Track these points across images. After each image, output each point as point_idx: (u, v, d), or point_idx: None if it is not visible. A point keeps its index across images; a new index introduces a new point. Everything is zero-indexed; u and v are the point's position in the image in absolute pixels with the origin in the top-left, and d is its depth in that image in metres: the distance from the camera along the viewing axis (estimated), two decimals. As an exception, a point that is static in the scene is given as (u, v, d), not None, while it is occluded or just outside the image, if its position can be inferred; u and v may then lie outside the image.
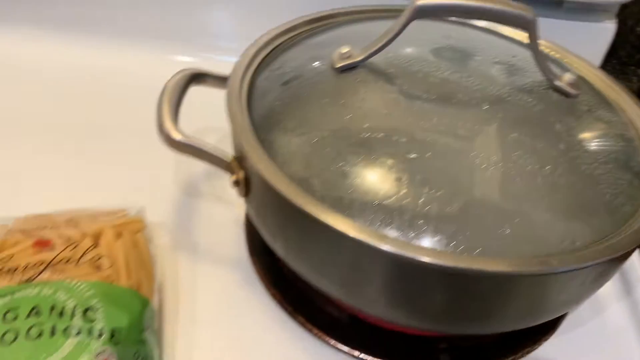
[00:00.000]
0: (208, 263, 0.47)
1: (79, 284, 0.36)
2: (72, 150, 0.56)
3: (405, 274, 0.33)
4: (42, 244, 0.39)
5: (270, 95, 0.43)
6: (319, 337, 0.42)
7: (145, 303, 0.39)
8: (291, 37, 0.48)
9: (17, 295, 0.35)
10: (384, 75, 0.42)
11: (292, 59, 0.46)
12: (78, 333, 0.34)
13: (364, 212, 0.33)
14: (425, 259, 0.31)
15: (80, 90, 0.64)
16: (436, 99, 0.40)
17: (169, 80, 0.43)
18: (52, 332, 0.34)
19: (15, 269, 0.37)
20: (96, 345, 0.34)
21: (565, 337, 0.45)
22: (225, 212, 0.52)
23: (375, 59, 0.42)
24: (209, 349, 0.42)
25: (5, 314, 0.34)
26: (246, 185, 0.39)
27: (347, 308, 0.43)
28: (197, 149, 0.40)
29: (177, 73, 0.44)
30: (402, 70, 0.42)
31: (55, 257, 0.38)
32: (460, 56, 0.46)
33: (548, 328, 0.45)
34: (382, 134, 0.38)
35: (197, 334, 0.42)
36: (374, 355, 0.41)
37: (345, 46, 0.42)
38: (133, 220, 0.44)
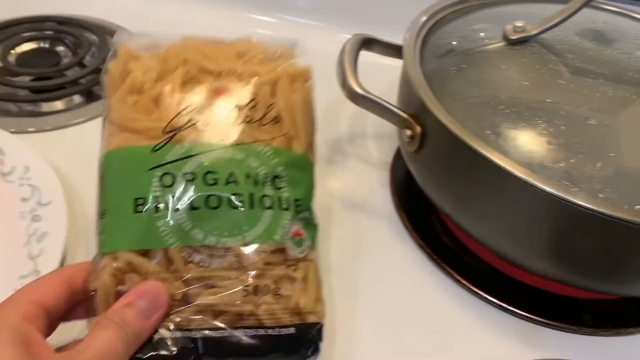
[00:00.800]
0: (356, 215, 0.51)
1: (265, 149, 0.34)
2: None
3: (577, 225, 0.36)
4: (221, 92, 0.35)
5: (442, 59, 0.47)
6: (466, 287, 0.46)
7: (312, 169, 0.37)
8: (457, 9, 0.51)
9: (213, 155, 0.33)
10: (555, 50, 0.44)
11: (461, 28, 0.49)
12: (271, 205, 0.33)
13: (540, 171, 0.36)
14: (598, 208, 0.34)
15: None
16: (607, 75, 0.43)
17: (346, 42, 0.48)
18: (251, 204, 0.32)
19: (213, 120, 0.34)
20: (287, 217, 0.33)
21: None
22: (370, 172, 0.56)
23: (544, 36, 0.45)
24: (360, 295, 0.46)
25: (205, 176, 0.32)
26: (421, 140, 0.43)
27: (496, 263, 0.46)
28: (378, 103, 0.44)
29: (352, 37, 0.49)
30: (573, 48, 0.45)
31: (239, 113, 0.34)
32: (622, 40, 0.48)
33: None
34: (554, 103, 0.41)
35: (344, 278, 0.46)
36: (521, 309, 0.44)
37: (519, 21, 0.45)
38: (304, 69, 0.38)
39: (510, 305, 0.44)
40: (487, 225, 0.41)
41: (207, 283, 0.31)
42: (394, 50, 0.51)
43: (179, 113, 0.33)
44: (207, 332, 0.31)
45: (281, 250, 0.33)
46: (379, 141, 0.60)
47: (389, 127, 0.60)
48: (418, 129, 0.43)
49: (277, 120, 0.35)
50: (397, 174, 0.55)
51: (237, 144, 0.33)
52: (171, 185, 0.31)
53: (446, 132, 0.39)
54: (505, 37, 0.46)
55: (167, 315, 0.30)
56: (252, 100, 0.34)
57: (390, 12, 0.69)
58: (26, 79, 0.61)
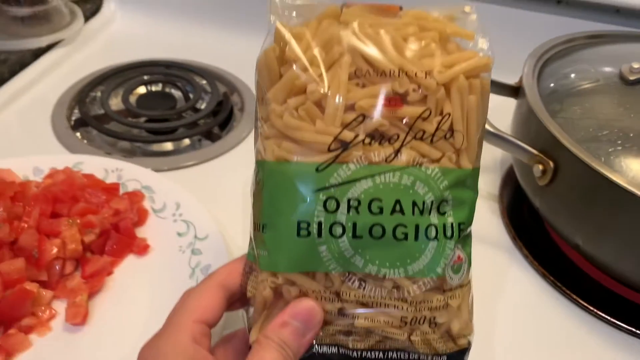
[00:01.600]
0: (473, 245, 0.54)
1: (434, 171, 0.31)
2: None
3: None
4: (396, 103, 0.31)
5: (559, 97, 0.50)
6: (592, 313, 0.48)
7: (478, 176, 0.35)
8: (564, 48, 0.55)
9: (378, 180, 0.30)
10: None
11: (572, 67, 0.53)
12: (436, 235, 0.31)
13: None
14: None
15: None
16: None
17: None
18: (416, 235, 0.31)
19: (381, 135, 0.31)
20: (450, 246, 0.32)
21: None
22: (479, 203, 0.59)
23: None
24: (486, 323, 0.48)
25: (370, 203, 0.30)
26: (553, 174, 0.46)
27: (620, 289, 0.48)
28: (510, 141, 0.47)
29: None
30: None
31: (409, 130, 0.31)
32: None
33: None
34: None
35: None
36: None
37: (635, 62, 0.49)
38: (483, 61, 0.32)
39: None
40: (627, 255, 0.43)
41: (363, 306, 0.31)
42: (508, 90, 0.54)
43: (345, 125, 0.30)
44: (359, 352, 0.32)
45: (441, 279, 0.32)
46: (482, 173, 0.62)
47: (490, 159, 0.63)
48: (551, 164, 0.46)
49: (450, 132, 0.31)
50: (508, 204, 0.57)
51: (405, 167, 0.31)
52: (335, 211, 0.30)
53: (584, 167, 0.42)
54: (622, 77, 0.49)
55: (320, 332, 0.31)
56: (425, 110, 0.31)
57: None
58: (142, 119, 0.66)
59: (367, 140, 0.30)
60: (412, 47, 0.31)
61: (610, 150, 0.44)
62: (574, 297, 0.49)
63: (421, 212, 0.31)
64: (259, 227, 0.32)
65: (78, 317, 0.42)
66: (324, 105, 0.30)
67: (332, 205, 0.30)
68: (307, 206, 0.31)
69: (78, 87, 0.69)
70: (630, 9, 0.65)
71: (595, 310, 0.48)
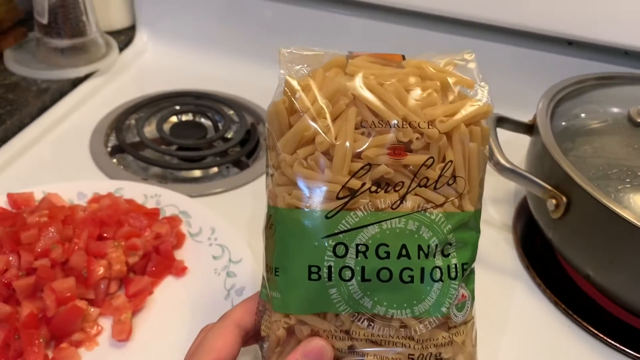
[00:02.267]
0: (487, 274, 0.57)
1: (438, 216, 0.32)
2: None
3: None
4: (400, 152, 0.32)
5: (570, 136, 0.54)
6: (603, 340, 0.50)
7: (479, 217, 0.36)
8: (576, 89, 0.59)
9: (385, 226, 0.32)
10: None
11: (583, 107, 0.56)
12: (440, 277, 0.33)
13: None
14: None
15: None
16: None
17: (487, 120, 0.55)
18: (422, 278, 0.32)
19: (386, 183, 0.32)
20: (454, 286, 0.33)
21: None
22: (493, 233, 0.62)
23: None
24: (500, 351, 0.51)
25: (377, 248, 0.32)
26: (566, 208, 0.49)
27: (630, 319, 0.51)
28: (525, 176, 0.51)
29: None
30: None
31: (414, 177, 0.32)
32: None
33: None
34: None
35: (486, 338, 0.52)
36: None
37: (643, 105, 0.52)
38: (484, 108, 0.34)
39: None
40: (636, 286, 0.46)
41: (373, 344, 0.33)
42: (523, 127, 0.58)
43: (353, 174, 0.32)
44: None
45: (446, 317, 0.34)
46: (497, 205, 0.66)
47: (504, 191, 0.67)
48: (564, 199, 0.49)
49: (453, 179, 0.33)
50: (521, 235, 0.60)
51: (410, 213, 0.32)
52: (344, 256, 0.32)
53: (595, 203, 0.45)
54: (630, 119, 0.53)
55: None
56: (428, 158, 0.32)
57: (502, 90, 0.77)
58: (173, 147, 0.70)
59: (373, 188, 0.32)
60: (414, 97, 0.33)
61: (619, 187, 0.48)
62: (585, 324, 0.51)
63: (426, 256, 0.32)
64: (272, 269, 0.34)
65: (123, 334, 0.45)
66: (331, 154, 0.32)
67: (341, 250, 0.32)
68: (318, 251, 0.32)
69: (114, 115, 0.73)
70: (638, 52, 0.69)
71: (605, 337, 0.50)
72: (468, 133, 0.33)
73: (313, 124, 0.32)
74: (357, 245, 0.32)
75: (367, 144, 0.32)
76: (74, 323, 0.44)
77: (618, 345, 0.50)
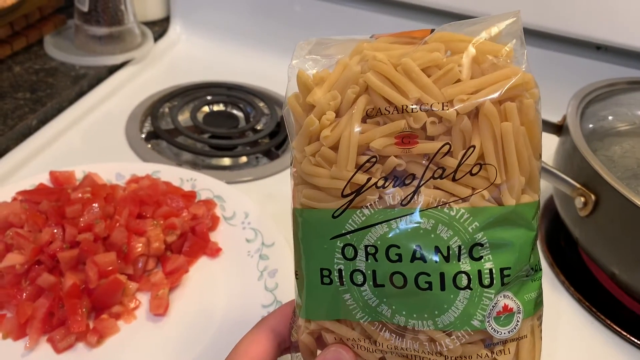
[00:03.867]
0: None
1: (460, 212, 0.28)
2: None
3: None
4: (410, 140, 0.28)
5: (600, 136, 0.55)
6: (626, 338, 0.51)
7: (534, 210, 0.29)
8: (606, 92, 0.60)
9: (394, 225, 0.28)
10: None
11: (612, 109, 0.57)
12: (468, 283, 0.28)
13: None
14: None
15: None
16: None
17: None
18: (442, 284, 0.28)
19: (398, 177, 0.28)
20: (489, 295, 0.28)
21: None
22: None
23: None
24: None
25: (387, 250, 0.28)
26: (594, 206, 0.50)
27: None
28: (555, 174, 0.52)
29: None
30: None
31: (426, 168, 0.28)
32: None
33: None
34: None
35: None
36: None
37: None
38: (521, 81, 0.28)
39: (669, 357, 0.50)
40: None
41: (403, 358, 0.30)
42: (552, 127, 0.59)
43: (359, 168, 0.29)
44: None
45: (483, 332, 0.28)
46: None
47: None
48: (593, 197, 0.50)
49: (478, 167, 0.28)
50: (545, 232, 0.61)
51: (423, 210, 0.28)
52: (353, 258, 0.29)
53: (625, 201, 0.46)
54: (660, 121, 0.54)
55: None
56: (444, 145, 0.28)
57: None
58: (205, 135, 0.72)
59: (380, 183, 0.28)
60: (433, 76, 0.28)
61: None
62: (608, 322, 0.52)
63: (446, 259, 0.28)
64: (295, 274, 0.32)
65: (160, 309, 0.46)
66: (339, 149, 0.29)
67: (350, 252, 0.29)
68: (327, 253, 0.30)
69: (148, 102, 0.75)
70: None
71: (628, 335, 0.51)
72: (495, 111, 0.27)
73: (316, 118, 0.29)
74: (366, 246, 0.29)
75: (376, 133, 0.28)
76: (114, 296, 0.46)
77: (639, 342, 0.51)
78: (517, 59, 0.29)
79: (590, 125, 0.57)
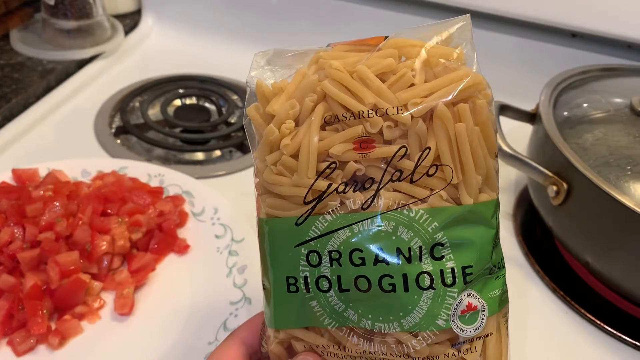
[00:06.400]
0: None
1: (419, 213, 0.28)
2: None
3: None
4: (367, 145, 0.29)
5: (572, 124, 0.54)
6: (599, 326, 0.51)
7: (492, 208, 0.30)
8: (579, 79, 0.59)
9: (356, 229, 0.29)
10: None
11: (585, 97, 0.57)
12: (431, 283, 0.28)
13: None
14: None
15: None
16: None
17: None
18: (405, 286, 0.28)
19: (357, 181, 0.29)
20: (452, 294, 0.28)
21: None
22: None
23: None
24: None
25: (350, 254, 0.29)
26: (566, 195, 0.49)
27: (623, 304, 0.52)
28: (526, 163, 0.51)
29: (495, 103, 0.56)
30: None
31: (384, 171, 0.29)
32: None
33: None
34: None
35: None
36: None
37: (645, 94, 0.53)
38: (473, 81, 0.29)
39: (642, 345, 0.50)
40: (634, 274, 0.47)
41: None
42: (525, 116, 0.58)
43: (319, 175, 0.29)
44: None
45: (449, 332, 0.29)
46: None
47: (505, 180, 0.67)
48: (564, 186, 0.49)
49: (434, 168, 0.28)
50: (521, 223, 0.61)
51: (383, 212, 0.28)
52: (318, 265, 0.29)
53: (596, 190, 0.46)
54: (632, 108, 0.53)
55: None
56: (401, 148, 0.28)
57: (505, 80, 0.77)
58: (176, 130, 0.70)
59: (341, 188, 0.29)
60: (387, 82, 0.29)
61: (620, 174, 0.48)
62: (582, 311, 0.52)
63: (408, 260, 0.28)
64: (263, 285, 0.32)
65: (125, 308, 0.45)
66: (299, 157, 0.29)
67: (314, 258, 0.29)
68: (292, 261, 0.30)
69: (118, 97, 0.73)
70: (640, 45, 0.69)
71: (602, 324, 0.51)
72: (449, 113, 0.28)
73: (275, 127, 0.30)
74: (330, 252, 0.29)
75: (334, 140, 0.29)
76: (76, 296, 0.44)
77: (615, 332, 0.50)
78: (469, 61, 0.30)
79: (565, 113, 0.56)
